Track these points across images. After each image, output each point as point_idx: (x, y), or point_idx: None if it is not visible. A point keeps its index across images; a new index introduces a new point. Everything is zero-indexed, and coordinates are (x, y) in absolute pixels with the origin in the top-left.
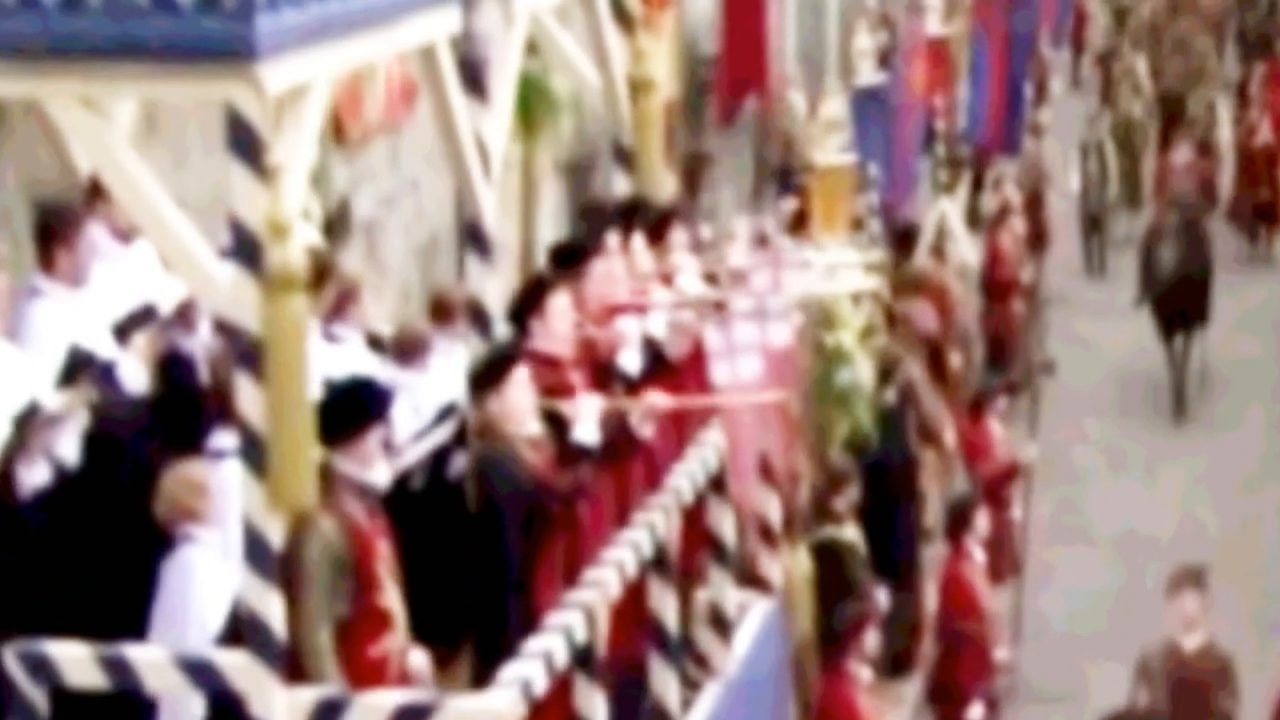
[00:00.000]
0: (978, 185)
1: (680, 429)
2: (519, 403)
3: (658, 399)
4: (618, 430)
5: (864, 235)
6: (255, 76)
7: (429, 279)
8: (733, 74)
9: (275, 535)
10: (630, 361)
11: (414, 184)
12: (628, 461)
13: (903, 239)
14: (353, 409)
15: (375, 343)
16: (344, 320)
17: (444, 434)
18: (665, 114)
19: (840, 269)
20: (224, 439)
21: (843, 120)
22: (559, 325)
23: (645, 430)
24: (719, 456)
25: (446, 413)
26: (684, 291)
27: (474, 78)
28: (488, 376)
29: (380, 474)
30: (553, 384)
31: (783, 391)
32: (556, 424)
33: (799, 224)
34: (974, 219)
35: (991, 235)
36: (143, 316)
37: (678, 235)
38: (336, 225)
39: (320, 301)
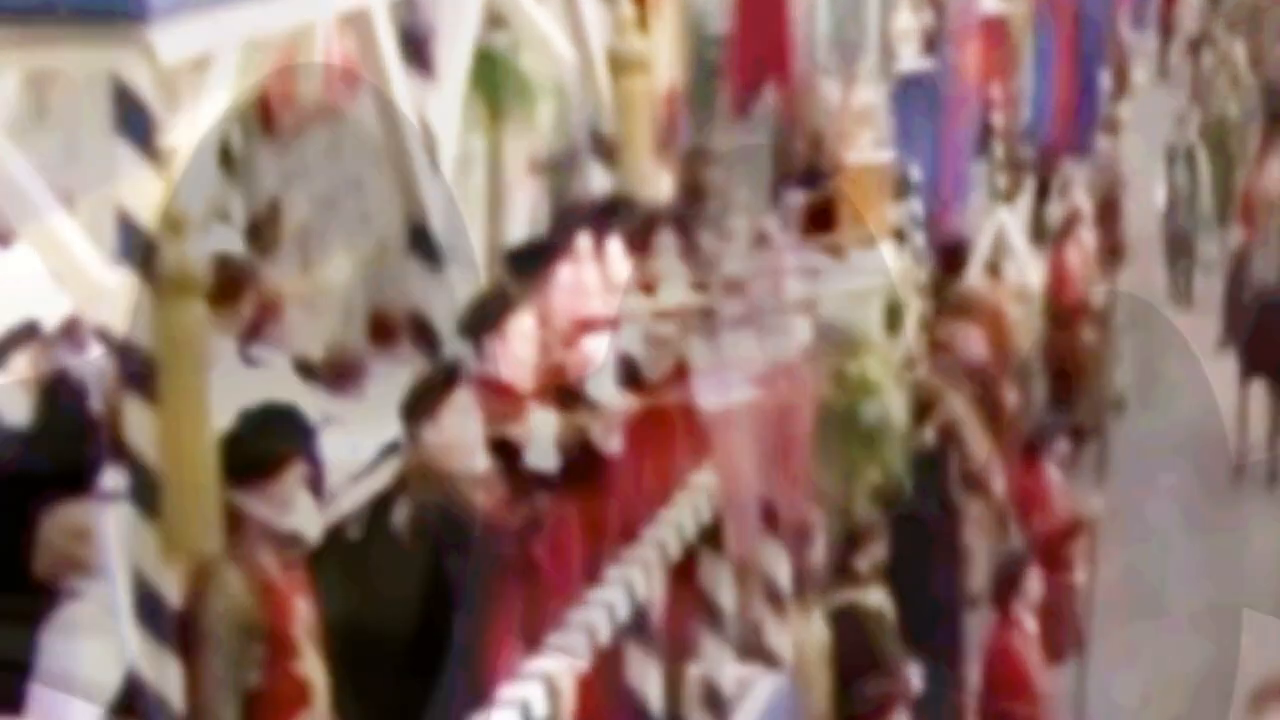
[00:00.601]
0: (1043, 193)
1: (664, 464)
2: (460, 433)
3: (619, 402)
4: (579, 451)
5: (905, 250)
6: (146, 42)
7: (375, 295)
8: (747, 56)
9: (171, 590)
10: (601, 387)
11: (358, 183)
12: (596, 493)
13: (950, 255)
14: (266, 441)
15: (305, 368)
16: (264, 340)
17: (386, 476)
18: (667, 103)
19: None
20: (118, 477)
21: (876, 110)
22: (520, 349)
23: (610, 443)
24: (713, 503)
25: (389, 450)
26: (665, 302)
27: (418, 51)
28: (422, 403)
29: (305, 520)
30: (506, 413)
31: (785, 414)
32: (508, 454)
33: (815, 224)
34: (1038, 232)
35: (1057, 251)
36: (23, 334)
37: (665, 239)
38: (263, 230)
39: (237, 318)
